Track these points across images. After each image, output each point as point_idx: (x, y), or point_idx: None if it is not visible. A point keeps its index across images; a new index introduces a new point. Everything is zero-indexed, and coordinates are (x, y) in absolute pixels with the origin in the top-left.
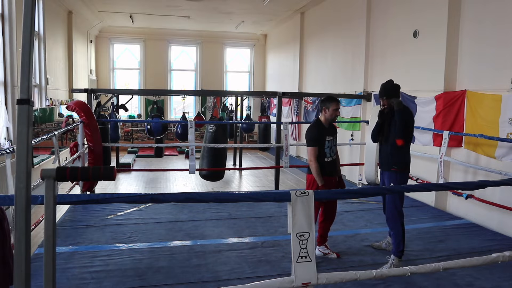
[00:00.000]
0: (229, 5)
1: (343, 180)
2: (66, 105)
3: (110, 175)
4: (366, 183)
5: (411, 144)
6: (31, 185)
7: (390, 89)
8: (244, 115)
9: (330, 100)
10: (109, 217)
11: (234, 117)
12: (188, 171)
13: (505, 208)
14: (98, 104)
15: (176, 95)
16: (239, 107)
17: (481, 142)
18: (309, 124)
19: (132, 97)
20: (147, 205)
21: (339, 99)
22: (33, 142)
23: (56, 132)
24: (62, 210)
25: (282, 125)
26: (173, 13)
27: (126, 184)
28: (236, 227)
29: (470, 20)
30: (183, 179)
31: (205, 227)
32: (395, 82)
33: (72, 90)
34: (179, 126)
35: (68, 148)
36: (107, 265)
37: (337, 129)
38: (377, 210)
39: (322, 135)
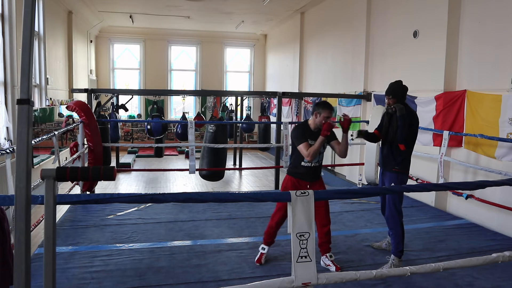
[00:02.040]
0: (229, 5)
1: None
2: (66, 105)
3: (110, 175)
4: (366, 183)
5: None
6: (31, 185)
7: (396, 89)
8: (244, 115)
9: (324, 107)
10: (109, 217)
11: (234, 117)
12: (188, 171)
13: (505, 208)
14: (98, 104)
15: (176, 95)
16: (239, 107)
17: (481, 142)
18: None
19: (132, 97)
20: (147, 205)
21: (340, 99)
22: (33, 142)
23: (56, 132)
24: (62, 210)
25: (282, 125)
26: (173, 13)
27: (126, 184)
28: (236, 227)
29: (470, 20)
30: (183, 179)
31: (205, 227)
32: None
33: (72, 90)
34: (179, 126)
35: (68, 148)
36: (107, 265)
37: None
38: (377, 210)
39: (304, 137)
